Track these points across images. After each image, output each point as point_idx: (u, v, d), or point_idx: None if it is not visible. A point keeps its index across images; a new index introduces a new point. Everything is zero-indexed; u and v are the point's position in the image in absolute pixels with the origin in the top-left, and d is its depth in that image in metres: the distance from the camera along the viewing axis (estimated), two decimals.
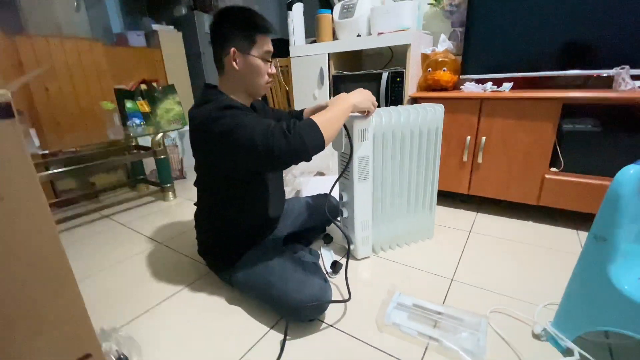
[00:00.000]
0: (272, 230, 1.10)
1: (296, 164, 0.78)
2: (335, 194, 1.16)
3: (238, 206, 0.96)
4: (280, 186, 1.14)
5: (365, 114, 0.98)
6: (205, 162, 0.93)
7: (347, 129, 1.00)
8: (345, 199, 1.13)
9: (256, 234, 1.02)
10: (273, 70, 0.93)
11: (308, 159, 0.77)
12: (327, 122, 0.79)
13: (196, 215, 1.07)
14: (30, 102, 1.97)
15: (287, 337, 0.83)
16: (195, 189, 1.04)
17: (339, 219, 1.22)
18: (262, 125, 0.75)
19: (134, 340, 0.78)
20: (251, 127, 0.75)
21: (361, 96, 0.90)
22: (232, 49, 0.85)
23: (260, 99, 1.06)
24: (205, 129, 0.81)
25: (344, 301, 0.93)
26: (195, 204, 1.06)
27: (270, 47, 0.91)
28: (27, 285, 0.55)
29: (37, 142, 1.61)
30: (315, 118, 0.78)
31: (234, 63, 0.87)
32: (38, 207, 0.54)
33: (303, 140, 0.73)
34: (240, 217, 0.98)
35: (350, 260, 1.16)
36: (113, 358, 0.69)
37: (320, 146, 0.77)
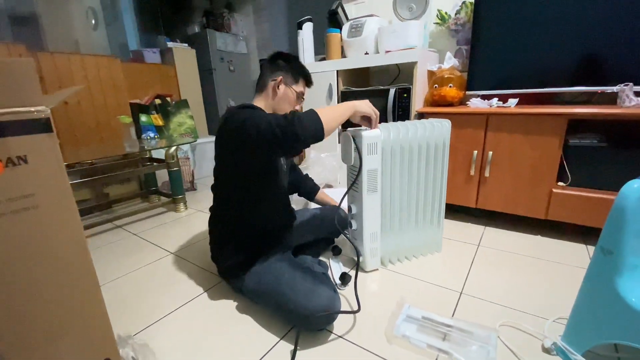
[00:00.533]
0: (284, 237, 1.13)
1: (297, 148, 0.86)
2: (344, 206, 1.19)
3: (251, 211, 1.01)
4: (285, 198, 1.20)
5: (368, 122, 1.03)
6: (223, 158, 1.00)
7: (356, 143, 1.04)
8: (354, 211, 1.15)
9: (268, 240, 1.06)
10: (298, 107, 1.10)
11: (306, 143, 0.85)
12: (327, 114, 0.88)
13: (210, 220, 1.11)
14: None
15: (297, 348, 0.84)
16: (206, 201, 1.09)
17: (347, 230, 1.24)
18: (269, 115, 0.86)
19: (148, 347, 0.80)
20: (259, 117, 0.85)
21: (362, 102, 0.99)
22: (281, 77, 1.03)
23: None
24: (225, 122, 0.92)
25: (354, 312, 0.94)
26: (210, 209, 1.10)
27: (305, 91, 1.10)
28: (55, 289, 0.58)
29: None
30: (317, 109, 0.87)
31: (277, 88, 1.03)
32: (70, 217, 0.58)
33: (302, 124, 0.82)
34: (253, 222, 1.02)
35: (359, 272, 1.17)
36: None
37: (319, 131, 0.85)
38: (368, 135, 1.02)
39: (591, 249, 1.28)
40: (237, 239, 1.03)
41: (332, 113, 0.90)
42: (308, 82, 1.10)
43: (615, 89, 1.24)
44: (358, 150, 1.04)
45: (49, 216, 0.55)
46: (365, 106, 0.99)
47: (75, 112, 2.16)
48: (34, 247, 0.54)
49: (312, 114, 0.85)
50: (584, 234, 1.39)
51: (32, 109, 0.52)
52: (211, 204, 1.08)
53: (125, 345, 0.76)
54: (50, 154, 0.54)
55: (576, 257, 1.23)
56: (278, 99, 1.05)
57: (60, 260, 0.57)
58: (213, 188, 1.07)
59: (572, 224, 1.32)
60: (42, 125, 0.53)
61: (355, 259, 1.06)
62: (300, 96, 1.08)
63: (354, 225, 1.17)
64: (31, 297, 0.55)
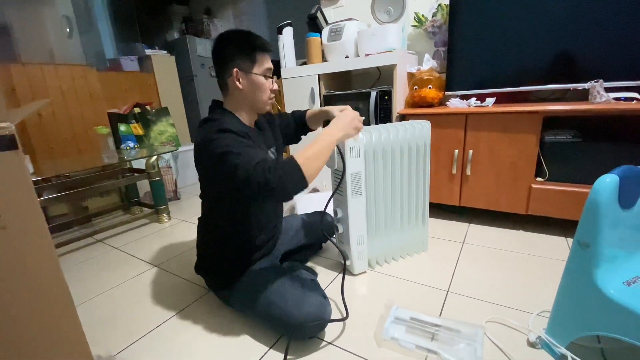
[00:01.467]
0: (272, 248, 1.10)
1: (277, 201, 0.81)
2: (330, 210, 1.18)
3: (238, 220, 0.98)
4: (276, 207, 1.14)
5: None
6: (205, 177, 0.97)
7: (339, 148, 1.04)
8: (339, 214, 1.15)
9: (256, 251, 1.03)
10: (275, 86, 0.97)
11: (288, 199, 0.80)
12: (310, 160, 0.79)
13: (199, 229, 1.08)
14: (23, 128, 1.98)
15: (288, 357, 0.83)
16: (190, 210, 1.05)
17: (334, 236, 1.24)
18: (249, 157, 0.77)
19: None
20: (237, 156, 0.78)
21: (344, 127, 0.91)
22: (235, 70, 0.90)
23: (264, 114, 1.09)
24: (202, 148, 0.87)
25: (342, 320, 0.94)
26: (199, 219, 1.07)
27: (270, 65, 0.95)
28: (27, 311, 0.55)
29: (31, 169, 1.61)
30: (299, 156, 0.78)
31: (238, 83, 0.91)
32: (40, 235, 0.55)
33: (283, 183, 0.74)
34: (240, 232, 0.99)
35: (347, 276, 1.17)
36: None
37: (300, 186, 0.77)
38: (350, 139, 1.03)
39: (571, 241, 1.32)
40: (225, 249, 1.00)
41: (315, 158, 0.80)
42: (265, 49, 0.93)
43: (586, 85, 1.28)
44: (341, 154, 1.04)
45: (18, 236, 0.53)
46: (348, 130, 0.92)
47: (50, 123, 2.08)
48: (4, 269, 0.52)
49: (294, 169, 0.76)
50: (564, 227, 1.43)
51: None
52: (196, 212, 1.06)
53: None
54: (16, 171, 0.52)
55: (557, 250, 1.27)
56: (246, 93, 0.92)
57: (31, 281, 0.55)
58: (201, 196, 1.04)
59: (552, 218, 1.36)
60: (6, 143, 0.51)
61: (342, 262, 1.05)
62: (267, 74, 0.94)
63: (340, 229, 1.17)
64: (2, 320, 0.52)
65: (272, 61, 0.97)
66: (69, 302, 0.60)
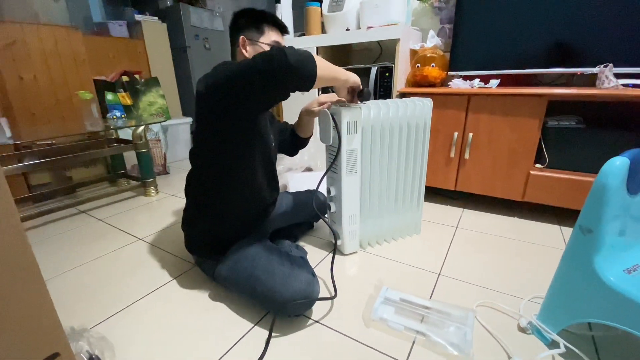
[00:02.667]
0: (262, 224, 1.05)
1: (292, 85, 0.74)
2: (323, 189, 1.14)
3: (229, 192, 0.91)
4: (273, 174, 1.06)
5: (351, 95, 0.96)
6: (204, 123, 0.85)
7: (335, 122, 0.98)
8: (333, 193, 1.11)
9: (245, 224, 0.98)
10: None
11: (300, 75, 0.73)
12: (322, 62, 0.78)
13: (186, 208, 1.01)
14: (2, 90, 1.87)
15: (273, 334, 0.80)
16: (179, 185, 0.99)
17: (326, 215, 1.20)
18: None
19: (106, 340, 0.74)
20: (250, 58, 0.74)
21: (347, 73, 0.89)
22: (242, 37, 0.91)
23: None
24: (206, 76, 0.79)
25: (330, 298, 0.91)
26: (185, 186, 0.99)
27: (279, 39, 0.94)
28: None
29: (8, 133, 1.52)
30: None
31: (244, 51, 0.91)
32: (3, 203, 0.49)
33: (302, 63, 0.71)
34: (230, 204, 0.93)
35: (337, 256, 1.14)
36: (84, 358, 0.64)
37: (311, 68, 0.74)
38: (348, 113, 0.97)
39: (565, 230, 1.31)
40: (214, 223, 0.93)
41: (327, 65, 0.80)
42: (278, 27, 0.95)
43: (595, 70, 1.23)
44: (337, 129, 0.98)
45: None
46: (357, 78, 0.92)
47: (31, 87, 1.97)
48: None
49: (308, 54, 0.74)
50: (559, 215, 1.41)
51: None
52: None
53: (80, 338, 0.69)
54: None
55: (551, 238, 1.25)
56: None
57: None
58: (193, 158, 0.94)
59: (548, 206, 1.34)
60: None
61: (333, 242, 1.02)
62: (274, 45, 0.92)
63: (333, 208, 1.13)
64: None
65: (250, 9, 0.93)
66: (36, 271, 0.55)
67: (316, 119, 1.10)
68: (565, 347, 0.72)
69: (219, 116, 0.80)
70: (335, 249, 1.00)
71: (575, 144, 1.25)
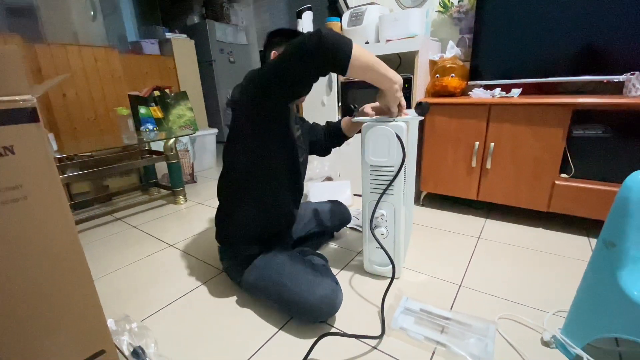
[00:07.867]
0: (287, 234, 1.09)
1: (325, 63, 0.77)
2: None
3: (262, 201, 0.96)
4: (299, 186, 1.07)
5: (391, 106, 0.92)
6: (240, 121, 0.91)
7: (399, 136, 0.90)
8: (386, 216, 1.01)
9: (273, 235, 1.02)
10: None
11: (334, 55, 0.75)
12: (362, 49, 0.79)
13: (217, 215, 1.05)
14: (48, 107, 2.05)
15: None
16: (206, 193, 1.04)
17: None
18: None
19: (149, 330, 0.79)
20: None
21: (396, 76, 0.88)
22: (274, 52, 0.97)
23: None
24: (249, 80, 0.87)
25: (377, 337, 0.83)
26: (220, 198, 1.03)
27: None
28: (45, 283, 0.57)
29: (55, 146, 1.67)
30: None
31: None
32: (59, 208, 0.57)
33: (336, 35, 0.74)
34: (262, 215, 0.97)
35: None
36: (127, 351, 0.70)
37: (345, 47, 0.75)
38: (403, 125, 0.90)
39: (593, 241, 1.27)
40: (242, 231, 0.98)
41: (368, 56, 0.79)
42: None
43: (621, 78, 1.20)
44: (401, 145, 0.89)
45: (38, 207, 0.54)
46: (399, 87, 0.90)
47: (73, 103, 2.15)
48: (24, 239, 0.54)
49: (346, 38, 0.75)
50: (587, 226, 1.37)
51: (18, 98, 0.51)
52: (212, 195, 1.04)
53: (122, 333, 0.76)
54: (37, 144, 0.53)
55: (578, 249, 1.22)
56: None
57: (50, 252, 0.57)
58: (220, 180, 1.00)
59: (575, 216, 1.30)
60: (28, 115, 0.52)
61: (390, 273, 0.97)
62: None
63: (384, 232, 1.03)
64: (22, 291, 0.54)
65: (287, 29, 0.99)
66: (87, 272, 0.62)
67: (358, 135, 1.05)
68: None
69: (258, 104, 0.85)
70: (391, 282, 0.96)
71: (602, 153, 1.22)
